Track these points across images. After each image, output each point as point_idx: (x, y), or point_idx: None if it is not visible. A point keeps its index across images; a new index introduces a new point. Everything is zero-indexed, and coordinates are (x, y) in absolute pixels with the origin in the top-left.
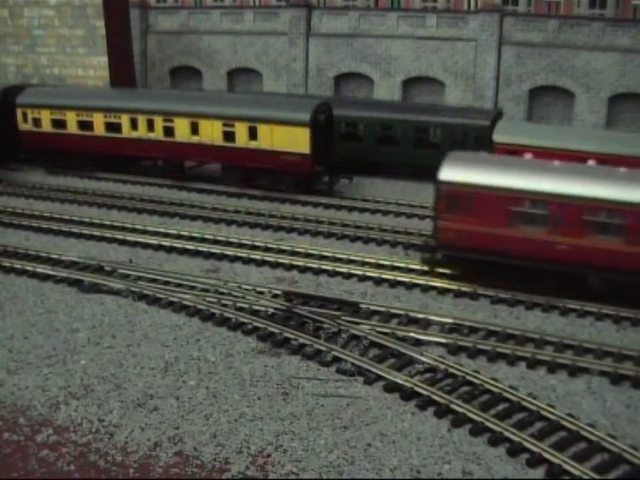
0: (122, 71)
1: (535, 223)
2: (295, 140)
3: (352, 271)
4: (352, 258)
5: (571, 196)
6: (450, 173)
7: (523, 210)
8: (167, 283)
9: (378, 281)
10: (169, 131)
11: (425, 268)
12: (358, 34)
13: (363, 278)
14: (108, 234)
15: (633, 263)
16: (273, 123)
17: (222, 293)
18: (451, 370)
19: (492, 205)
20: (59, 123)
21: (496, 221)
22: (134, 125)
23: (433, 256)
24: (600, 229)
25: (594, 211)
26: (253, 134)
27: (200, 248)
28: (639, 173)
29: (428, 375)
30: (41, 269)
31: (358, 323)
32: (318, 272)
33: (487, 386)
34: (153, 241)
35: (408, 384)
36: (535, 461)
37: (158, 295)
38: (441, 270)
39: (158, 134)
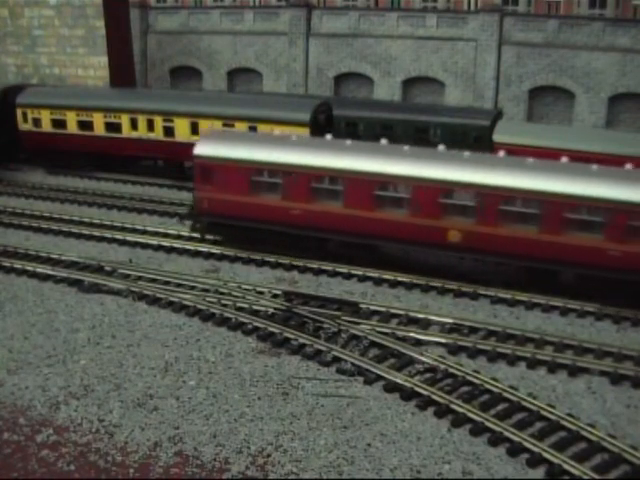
0: (122, 71)
1: (272, 191)
2: None
3: (352, 271)
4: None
5: (300, 166)
6: (203, 148)
7: (261, 180)
8: (167, 283)
9: (378, 281)
10: (169, 131)
11: (195, 235)
12: (358, 34)
13: (363, 278)
14: (108, 234)
15: (349, 226)
16: (273, 123)
17: (222, 293)
18: (451, 370)
19: (235, 175)
20: (59, 123)
21: (239, 190)
22: (134, 125)
23: (196, 224)
24: (329, 196)
25: (319, 180)
26: None
27: (200, 248)
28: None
29: (428, 375)
30: (41, 269)
31: (358, 323)
32: (318, 272)
33: (487, 386)
34: (153, 241)
35: (408, 384)
36: (535, 461)
37: (158, 295)
38: (209, 237)
39: (158, 134)
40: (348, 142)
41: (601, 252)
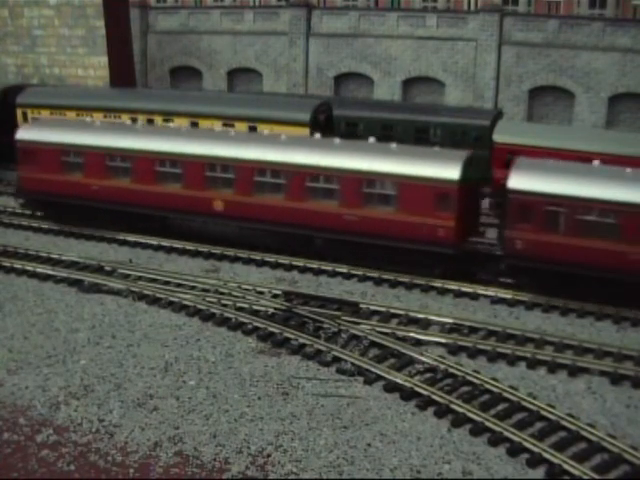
0: (122, 71)
1: (77, 170)
2: None
3: (352, 271)
4: None
5: (95, 147)
6: (23, 134)
7: (69, 160)
8: (167, 283)
9: (378, 281)
10: None
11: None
12: (358, 34)
13: (363, 278)
14: (108, 234)
15: (136, 199)
16: (273, 123)
17: (222, 293)
18: (451, 370)
19: (47, 157)
20: None
21: (51, 169)
22: None
23: (21, 201)
24: (121, 173)
25: (112, 159)
26: None
27: (200, 248)
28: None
29: (428, 375)
30: (41, 269)
31: (358, 323)
32: (318, 272)
33: (487, 386)
34: (153, 241)
35: (408, 384)
36: (535, 461)
37: (158, 295)
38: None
39: None
40: (137, 125)
41: (338, 217)
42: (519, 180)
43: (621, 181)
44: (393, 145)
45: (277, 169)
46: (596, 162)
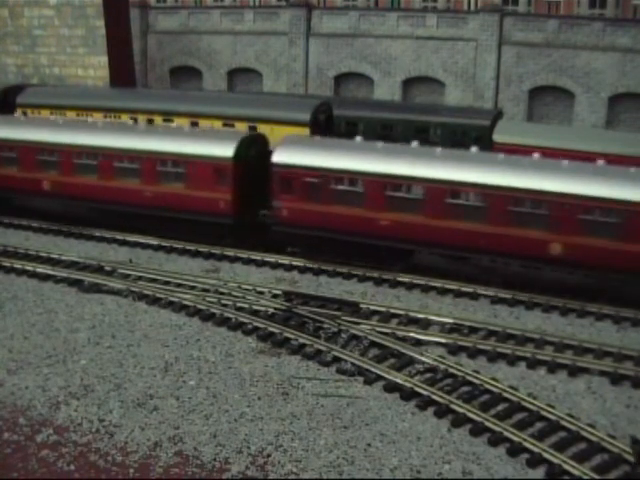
0: (122, 71)
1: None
2: None
3: (352, 271)
4: None
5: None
6: None
7: None
8: (167, 283)
9: (378, 281)
10: None
11: None
12: (358, 34)
13: (363, 278)
14: (108, 234)
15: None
16: (273, 123)
17: (222, 293)
18: (451, 370)
19: None
20: None
21: None
22: None
23: None
24: (10, 162)
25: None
26: None
27: (200, 248)
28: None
29: (428, 375)
30: (41, 269)
31: (358, 323)
32: (318, 272)
33: (487, 386)
34: (153, 241)
35: (408, 384)
36: (535, 461)
37: (158, 295)
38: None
39: None
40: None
41: (140, 193)
42: (281, 155)
43: (368, 154)
44: (185, 128)
45: (93, 152)
46: (358, 138)
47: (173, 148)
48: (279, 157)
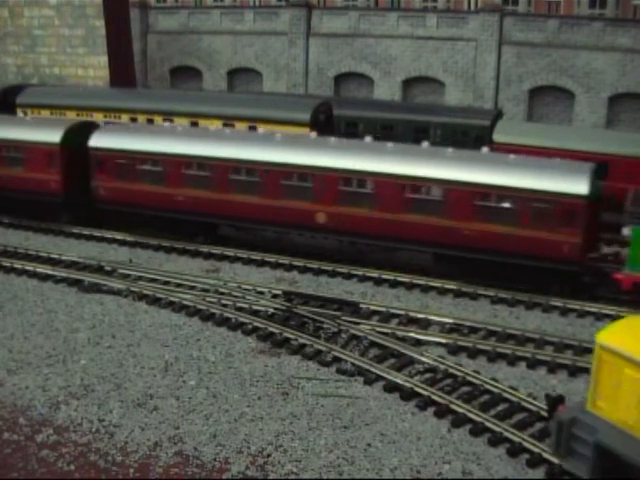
0: (122, 71)
1: None
2: None
3: (352, 271)
4: None
5: None
6: None
7: None
8: (167, 283)
9: (378, 281)
10: None
11: None
12: (358, 34)
13: (363, 278)
14: (108, 234)
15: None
16: (273, 123)
17: (222, 293)
18: (451, 370)
19: None
20: None
21: None
22: None
23: None
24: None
25: None
26: None
27: (200, 248)
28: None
29: (428, 375)
30: (41, 269)
31: (358, 323)
32: (318, 272)
33: (487, 386)
34: (153, 241)
35: (408, 384)
36: (535, 461)
37: (158, 295)
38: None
39: None
40: None
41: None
42: (97, 140)
43: (169, 137)
44: (26, 118)
45: None
46: (166, 125)
47: (11, 135)
48: (95, 142)
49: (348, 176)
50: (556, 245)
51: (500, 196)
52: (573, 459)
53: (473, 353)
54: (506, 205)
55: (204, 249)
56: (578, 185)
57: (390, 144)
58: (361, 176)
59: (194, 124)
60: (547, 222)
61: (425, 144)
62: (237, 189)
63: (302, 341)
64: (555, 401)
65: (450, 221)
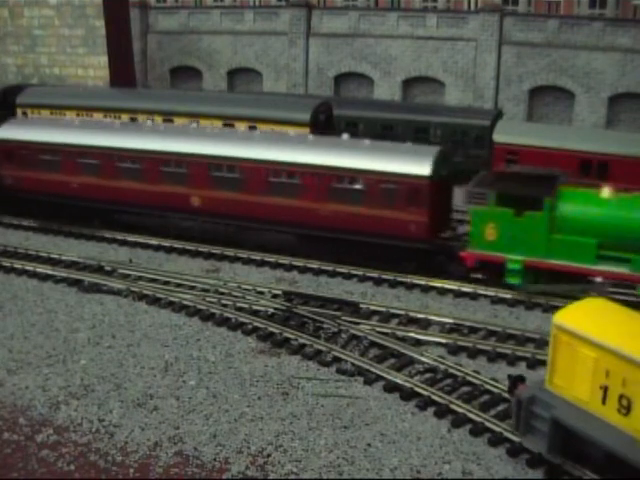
0: (122, 71)
1: None
2: None
3: (352, 271)
4: None
5: None
6: None
7: None
8: (167, 283)
9: (378, 281)
10: None
11: None
12: (358, 34)
13: (363, 278)
14: (108, 234)
15: None
16: (273, 123)
17: (222, 293)
18: (451, 370)
19: None
20: None
21: None
22: None
23: None
24: None
25: None
26: None
27: (200, 248)
28: None
29: (428, 375)
30: (41, 269)
31: (358, 323)
32: (318, 272)
33: (487, 386)
34: (153, 241)
35: (408, 384)
36: (535, 461)
37: (158, 295)
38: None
39: None
40: None
41: None
42: (4, 132)
43: (64, 129)
44: None
45: None
46: (67, 117)
47: None
48: (2, 134)
49: (217, 162)
50: (404, 224)
51: (352, 178)
52: (532, 436)
53: (473, 353)
54: (358, 187)
55: (204, 249)
56: (421, 167)
57: (258, 132)
58: (228, 162)
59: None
60: (395, 202)
61: (291, 132)
62: (122, 176)
63: (302, 341)
64: (515, 380)
65: (308, 203)
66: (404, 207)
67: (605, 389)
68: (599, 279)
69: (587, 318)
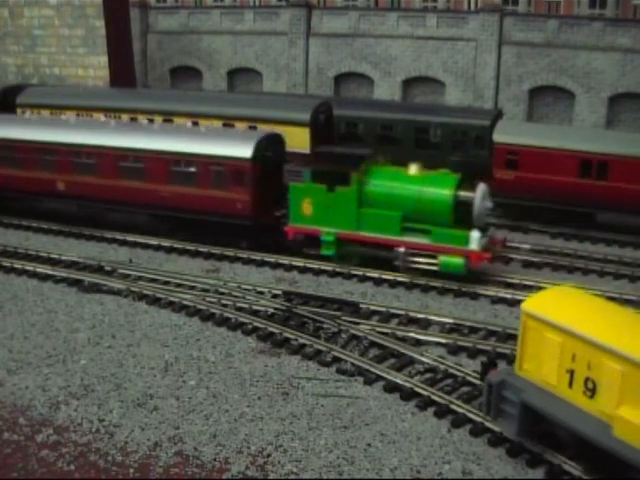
0: (122, 71)
1: None
2: (295, 140)
3: (352, 271)
4: None
5: None
6: None
7: None
8: (167, 283)
9: (378, 281)
10: None
11: None
12: (358, 34)
13: (363, 278)
14: (108, 234)
15: None
16: (273, 123)
17: (222, 293)
18: (451, 370)
19: None
20: None
21: None
22: None
23: None
24: None
25: None
26: None
27: (200, 248)
28: None
29: (428, 375)
30: (41, 269)
31: (358, 323)
32: (318, 272)
33: None
34: (153, 241)
35: (408, 384)
36: (535, 461)
37: (158, 295)
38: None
39: None
40: None
41: None
42: None
43: None
44: None
45: None
46: None
47: None
48: None
49: (76, 150)
50: (232, 203)
51: (187, 162)
52: (502, 420)
53: (473, 353)
54: (192, 170)
55: (204, 249)
56: (244, 150)
57: (113, 122)
58: (85, 149)
59: (194, 124)
60: (223, 183)
61: (144, 121)
62: (3, 164)
63: (302, 341)
64: (487, 366)
65: (152, 185)
66: (231, 187)
67: (571, 372)
68: (402, 249)
69: (554, 305)
